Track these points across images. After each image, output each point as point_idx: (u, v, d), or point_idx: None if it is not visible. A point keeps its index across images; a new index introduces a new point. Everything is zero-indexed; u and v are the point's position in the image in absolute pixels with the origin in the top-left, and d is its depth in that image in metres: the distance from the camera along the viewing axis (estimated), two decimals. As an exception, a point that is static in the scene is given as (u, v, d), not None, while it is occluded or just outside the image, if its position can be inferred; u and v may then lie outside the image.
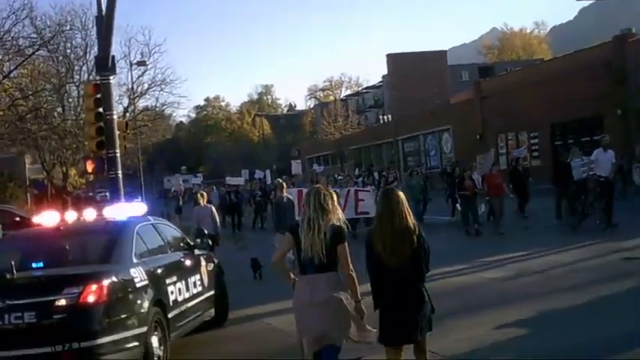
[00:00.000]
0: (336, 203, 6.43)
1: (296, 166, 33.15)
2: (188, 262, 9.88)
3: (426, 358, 6.30)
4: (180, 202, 34.72)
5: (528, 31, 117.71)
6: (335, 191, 6.92)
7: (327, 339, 6.17)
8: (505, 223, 20.16)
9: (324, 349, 6.18)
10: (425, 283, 6.12)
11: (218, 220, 17.40)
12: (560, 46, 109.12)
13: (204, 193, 18.78)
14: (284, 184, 18.13)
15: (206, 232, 11.82)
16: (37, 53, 33.43)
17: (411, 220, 6.10)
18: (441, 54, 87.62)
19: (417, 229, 6.08)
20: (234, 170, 76.40)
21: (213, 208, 17.39)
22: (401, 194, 6.23)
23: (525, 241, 17.50)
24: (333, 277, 6.28)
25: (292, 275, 6.59)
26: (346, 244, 6.27)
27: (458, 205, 22.41)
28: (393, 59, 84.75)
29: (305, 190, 13.57)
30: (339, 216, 6.41)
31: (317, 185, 7.17)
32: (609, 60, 34.78)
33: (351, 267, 6.24)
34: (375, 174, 35.66)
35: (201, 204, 17.26)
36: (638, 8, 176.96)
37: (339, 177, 31.84)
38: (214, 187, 42.94)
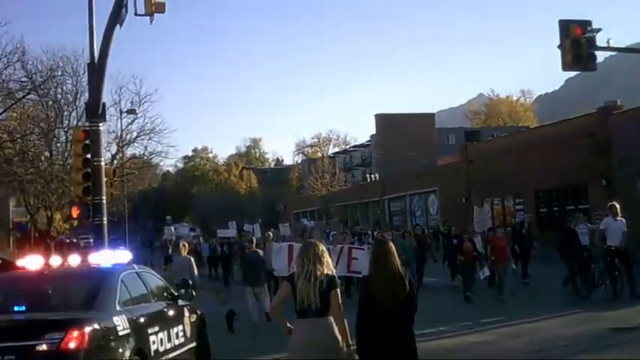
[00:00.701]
0: (328, 256, 7.03)
1: (283, 229, 33.48)
2: (171, 313, 9.82)
3: None
4: (170, 251, 34.41)
5: (515, 98, 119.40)
6: (327, 248, 7.52)
7: None
8: (507, 289, 19.23)
9: None
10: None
11: (196, 271, 17.30)
12: (545, 114, 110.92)
13: (186, 244, 18.96)
14: (254, 238, 19.28)
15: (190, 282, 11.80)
16: (27, 97, 33.55)
17: (400, 267, 6.86)
18: (429, 116, 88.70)
19: (407, 274, 6.86)
20: (220, 221, 76.23)
21: (192, 260, 17.43)
22: (391, 244, 7.02)
23: (532, 307, 16.77)
24: (329, 322, 6.75)
25: (288, 324, 6.99)
26: (338, 290, 6.83)
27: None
28: (382, 119, 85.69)
29: (296, 245, 14.14)
30: (331, 267, 7.02)
31: (312, 240, 7.70)
32: (593, 130, 35.35)
33: (342, 312, 6.74)
34: (369, 232, 35.39)
35: (183, 254, 17.45)
36: (623, 82, 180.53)
37: (333, 233, 31.49)
38: (201, 239, 42.70)
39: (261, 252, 17.38)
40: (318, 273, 6.79)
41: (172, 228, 49.28)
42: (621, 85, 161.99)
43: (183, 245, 18.26)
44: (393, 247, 7.00)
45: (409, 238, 23.31)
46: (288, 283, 7.00)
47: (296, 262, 7.21)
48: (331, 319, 6.75)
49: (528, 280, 22.16)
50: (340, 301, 6.79)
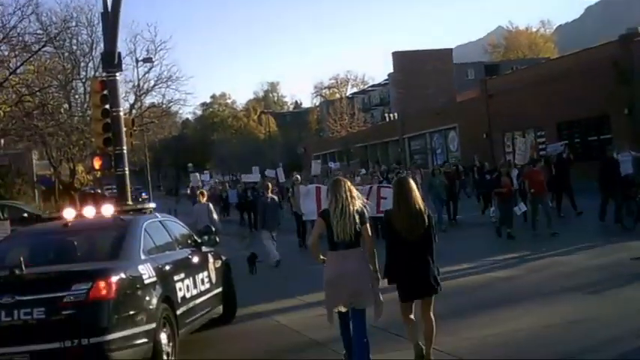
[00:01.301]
0: (356, 191, 7.69)
1: (316, 166, 32.67)
2: (196, 259, 9.89)
3: (431, 315, 7.47)
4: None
5: (534, 29, 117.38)
6: (357, 188, 8.13)
7: (357, 302, 7.39)
8: (546, 224, 18.30)
9: (354, 312, 7.42)
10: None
11: (216, 216, 18.16)
12: (566, 45, 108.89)
13: (205, 192, 19.90)
14: (269, 184, 19.83)
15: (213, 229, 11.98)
16: (43, 49, 33.39)
17: (422, 203, 7.45)
18: (447, 52, 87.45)
19: (427, 210, 7.45)
20: (241, 167, 76.50)
21: (211, 205, 18.24)
22: (412, 182, 7.62)
23: (567, 241, 16.46)
24: (360, 252, 7.49)
25: (322, 256, 7.65)
26: (368, 225, 7.54)
27: (491, 204, 21.44)
28: (399, 57, 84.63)
29: (323, 187, 14.44)
30: (360, 202, 7.63)
31: (339, 178, 8.08)
32: (615, 59, 34.66)
33: (373, 244, 7.57)
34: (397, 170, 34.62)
35: (202, 201, 18.26)
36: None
37: (362, 172, 30.49)
38: (227, 185, 42.89)
39: (276, 197, 18.63)
40: (352, 207, 7.44)
41: (198, 175, 49.36)
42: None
43: (202, 193, 19.11)
44: (413, 185, 7.57)
45: (439, 176, 22.83)
46: (321, 219, 7.62)
47: (328, 199, 7.67)
48: (361, 249, 7.46)
49: (563, 213, 21.52)
50: (370, 234, 7.54)
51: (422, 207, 7.40)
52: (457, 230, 21.72)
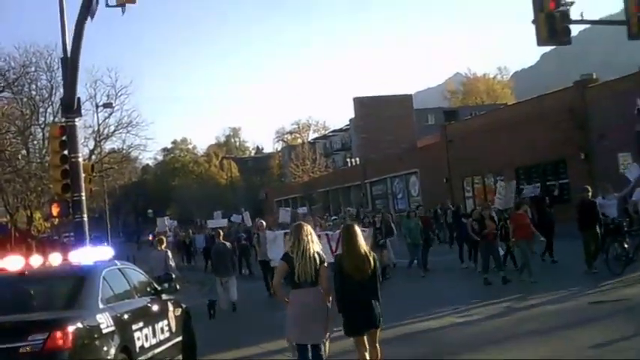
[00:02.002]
0: (315, 235, 8.56)
1: (284, 214, 32.18)
2: (155, 308, 9.74)
3: (377, 346, 8.28)
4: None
5: (491, 76, 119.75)
6: (327, 234, 8.58)
7: (315, 337, 8.24)
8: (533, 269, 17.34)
9: (312, 346, 8.23)
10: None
11: (173, 263, 18.09)
12: (523, 90, 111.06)
13: (163, 238, 19.75)
14: (220, 231, 19.71)
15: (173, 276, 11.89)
16: (0, 95, 33.18)
17: (366, 247, 8.34)
18: (407, 97, 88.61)
19: (371, 253, 8.29)
20: (202, 213, 75.90)
21: (169, 253, 18.26)
22: (357, 228, 8.55)
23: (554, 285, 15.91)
24: (319, 291, 8.30)
25: (285, 298, 8.52)
26: (325, 264, 8.39)
27: (466, 248, 21.25)
28: (360, 103, 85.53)
29: (284, 231, 16.37)
30: (318, 245, 8.51)
31: (300, 222, 9.10)
32: (571, 105, 35.50)
33: (329, 283, 8.32)
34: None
35: (160, 248, 18.14)
36: (600, 55, 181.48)
37: (333, 217, 30.14)
38: (190, 232, 42.34)
39: (228, 244, 18.72)
40: (312, 250, 8.27)
41: (166, 219, 48.48)
42: (598, 58, 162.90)
43: (159, 240, 18.93)
44: (359, 230, 8.49)
45: (415, 219, 22.27)
46: (284, 262, 8.39)
47: (290, 242, 8.53)
48: (320, 288, 8.28)
49: (556, 259, 20.19)
50: (327, 274, 8.35)
51: (367, 250, 8.28)
52: (434, 275, 21.23)
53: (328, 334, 8.37)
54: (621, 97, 32.33)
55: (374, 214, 26.23)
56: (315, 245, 8.37)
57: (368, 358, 8.22)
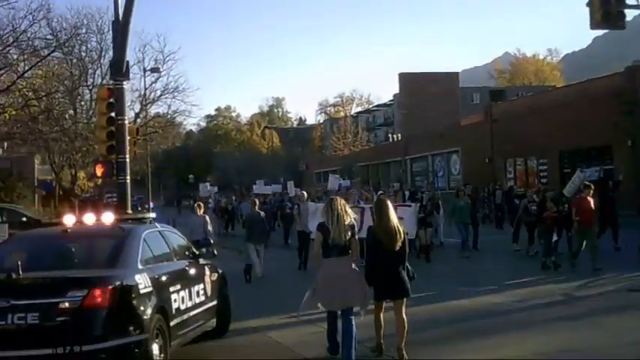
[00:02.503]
0: (348, 208, 9.08)
1: (333, 181, 30.94)
2: (192, 271, 9.88)
3: (403, 315, 8.87)
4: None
5: (541, 57, 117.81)
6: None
7: (347, 302, 8.69)
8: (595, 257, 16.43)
9: (344, 311, 8.72)
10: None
11: (211, 229, 18.84)
12: (572, 73, 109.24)
13: (202, 204, 20.57)
14: (256, 200, 20.21)
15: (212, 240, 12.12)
16: (52, 55, 33.56)
17: (397, 220, 9.09)
18: (453, 75, 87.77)
19: (402, 228, 9.02)
20: (243, 180, 76.34)
21: (207, 218, 18.96)
22: (389, 203, 9.35)
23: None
24: (349, 259, 8.82)
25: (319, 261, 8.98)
26: (356, 237, 8.95)
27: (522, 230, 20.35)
28: (405, 78, 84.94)
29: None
30: (351, 217, 8.97)
31: (334, 197, 9.58)
32: (620, 90, 34.80)
33: (358, 253, 9.09)
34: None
35: (198, 213, 18.95)
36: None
37: (380, 192, 29.73)
38: (233, 198, 42.14)
39: (262, 213, 19.10)
40: (344, 220, 8.76)
41: (208, 185, 48.73)
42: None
43: (199, 205, 19.73)
44: (390, 204, 9.30)
45: (464, 198, 21.66)
46: (319, 232, 8.89)
47: (324, 214, 8.98)
48: (350, 257, 8.80)
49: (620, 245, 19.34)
50: (357, 244, 8.97)
51: (397, 223, 9.00)
52: (482, 256, 20.80)
53: (363, 296, 8.85)
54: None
55: (423, 191, 25.73)
56: (347, 217, 8.83)
57: (396, 326, 8.89)
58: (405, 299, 8.93)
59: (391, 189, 33.56)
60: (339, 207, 8.86)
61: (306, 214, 19.36)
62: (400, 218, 16.82)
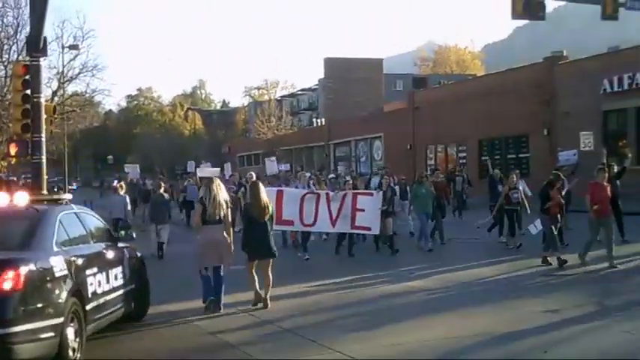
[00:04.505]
0: (223, 187, 11.55)
1: (271, 165, 29.48)
2: (110, 254, 9.67)
3: (269, 272, 11.31)
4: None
5: (463, 46, 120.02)
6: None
7: (217, 261, 11.14)
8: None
9: (215, 267, 11.17)
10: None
11: (130, 208, 19.71)
12: (493, 63, 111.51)
13: (123, 185, 21.06)
14: (162, 183, 20.92)
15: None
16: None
17: (267, 199, 11.55)
18: (378, 62, 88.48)
19: (270, 204, 11.56)
20: (164, 162, 75.12)
21: (128, 198, 19.63)
22: (261, 185, 11.94)
23: None
24: (222, 227, 11.19)
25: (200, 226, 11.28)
26: (229, 210, 11.28)
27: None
28: (330, 63, 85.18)
29: (287, 190, 17.62)
30: (225, 194, 11.38)
31: (213, 178, 11.57)
32: (539, 81, 35.78)
33: (230, 222, 11.38)
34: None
35: (120, 193, 19.62)
36: (572, 33, 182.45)
37: (331, 176, 26.95)
38: (188, 181, 40.31)
39: (167, 195, 20.32)
40: (219, 197, 11.14)
41: (137, 166, 46.58)
42: (570, 37, 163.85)
43: (121, 186, 20.14)
44: (262, 186, 11.87)
45: (426, 184, 19.34)
46: (199, 204, 11.32)
47: (203, 192, 11.35)
48: (223, 225, 11.15)
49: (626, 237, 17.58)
50: (229, 215, 11.29)
51: (266, 201, 11.44)
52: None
53: (230, 259, 11.25)
54: (588, 77, 32.68)
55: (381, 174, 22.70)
56: (222, 194, 11.21)
57: (264, 281, 11.30)
58: (270, 260, 11.36)
59: (342, 172, 32.28)
60: (215, 188, 11.20)
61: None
62: (361, 210, 16.34)
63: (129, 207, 19.28)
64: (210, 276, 11.15)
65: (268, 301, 11.17)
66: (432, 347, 8.62)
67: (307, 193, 17.17)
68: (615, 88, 31.63)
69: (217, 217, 11.04)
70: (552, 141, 34.79)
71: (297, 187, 19.04)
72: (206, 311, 10.92)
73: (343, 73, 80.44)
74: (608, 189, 15.00)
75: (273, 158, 33.17)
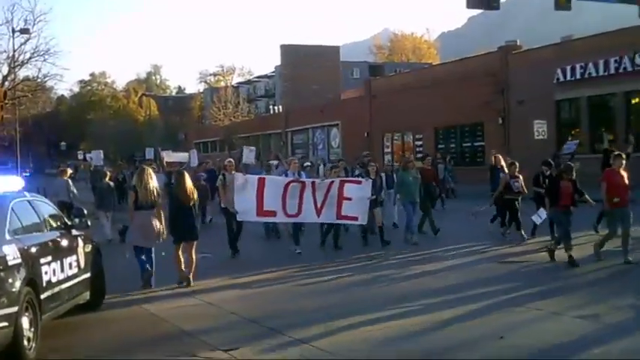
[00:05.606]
0: (154, 175, 12.70)
1: (248, 154, 28.35)
2: (65, 242, 9.51)
3: (193, 253, 12.46)
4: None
5: (419, 35, 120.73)
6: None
7: (147, 243, 12.26)
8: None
9: (146, 248, 12.30)
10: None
11: (75, 191, 19.98)
12: (448, 52, 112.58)
13: (68, 169, 21.61)
14: (107, 172, 22.32)
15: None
16: None
17: (191, 185, 12.77)
18: (335, 49, 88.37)
19: (194, 190, 12.78)
20: (119, 149, 73.98)
21: (70, 181, 20.26)
22: (185, 174, 13.14)
23: None
24: (152, 213, 12.15)
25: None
26: (160, 198, 12.33)
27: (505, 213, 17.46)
28: (287, 50, 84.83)
29: (269, 177, 16.47)
30: (155, 183, 12.39)
31: (144, 167, 12.87)
32: (493, 70, 36.19)
33: (161, 208, 12.43)
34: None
35: (63, 177, 20.33)
36: (527, 21, 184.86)
37: (307, 164, 25.39)
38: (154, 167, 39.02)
39: (112, 184, 21.48)
40: (150, 186, 12.14)
41: (101, 153, 44.40)
42: (523, 26, 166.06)
43: (65, 171, 20.90)
44: (187, 174, 13.03)
45: (412, 170, 17.73)
46: (132, 192, 12.28)
47: (136, 180, 12.32)
48: (153, 211, 12.14)
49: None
50: (160, 201, 12.34)
51: (191, 187, 12.65)
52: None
53: (159, 240, 12.26)
54: (542, 66, 33.16)
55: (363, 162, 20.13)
56: (153, 182, 12.23)
57: (188, 261, 12.33)
58: (194, 242, 12.49)
59: (316, 160, 31.45)
60: (146, 176, 12.19)
61: (232, 187, 15.73)
62: (348, 199, 14.98)
63: (73, 189, 19.78)
64: (144, 258, 12.24)
65: (192, 282, 12.25)
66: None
67: (292, 182, 15.39)
68: (568, 78, 32.12)
69: (149, 204, 12.06)
70: (507, 129, 35.27)
71: (286, 175, 16.67)
72: (144, 287, 12.01)
73: (300, 60, 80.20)
74: (625, 177, 13.50)
75: (253, 148, 32.74)
